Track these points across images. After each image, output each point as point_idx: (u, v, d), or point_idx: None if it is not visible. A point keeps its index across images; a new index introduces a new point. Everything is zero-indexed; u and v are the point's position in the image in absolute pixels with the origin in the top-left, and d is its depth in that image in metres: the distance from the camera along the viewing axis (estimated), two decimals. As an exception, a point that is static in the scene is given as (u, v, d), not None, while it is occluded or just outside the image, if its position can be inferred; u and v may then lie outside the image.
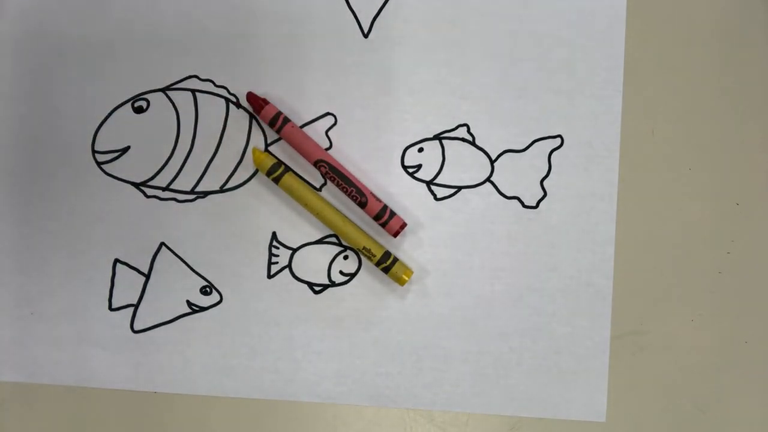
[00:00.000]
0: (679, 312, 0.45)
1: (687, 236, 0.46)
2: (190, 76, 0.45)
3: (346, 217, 0.44)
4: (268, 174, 0.44)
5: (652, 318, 0.45)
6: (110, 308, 0.45)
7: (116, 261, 0.45)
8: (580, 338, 0.45)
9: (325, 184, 0.45)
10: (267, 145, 0.45)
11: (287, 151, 0.45)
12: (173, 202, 0.45)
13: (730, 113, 0.46)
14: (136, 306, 0.45)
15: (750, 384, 0.45)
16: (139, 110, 0.45)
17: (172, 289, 0.45)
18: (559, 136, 0.45)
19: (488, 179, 0.45)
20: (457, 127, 0.45)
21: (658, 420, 0.45)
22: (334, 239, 0.45)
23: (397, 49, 0.46)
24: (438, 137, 0.45)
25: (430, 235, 0.45)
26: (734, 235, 0.46)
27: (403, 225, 0.44)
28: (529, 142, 0.45)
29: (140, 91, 0.45)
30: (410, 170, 0.45)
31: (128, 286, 0.45)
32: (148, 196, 0.45)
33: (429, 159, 0.45)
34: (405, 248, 0.45)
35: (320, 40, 0.46)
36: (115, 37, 0.45)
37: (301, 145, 0.44)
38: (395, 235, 0.44)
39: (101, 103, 0.45)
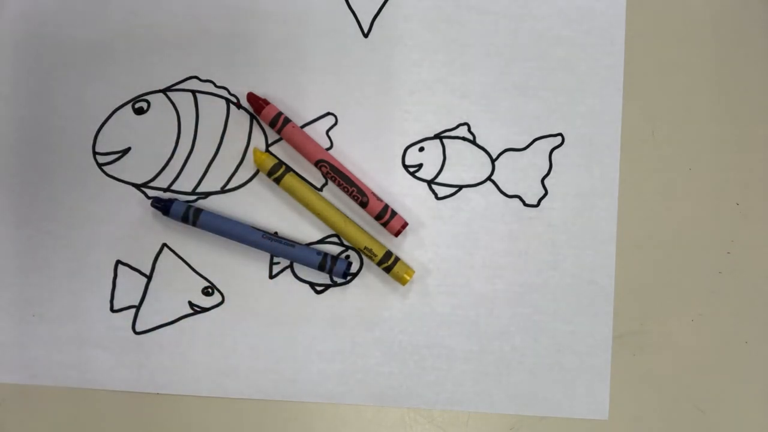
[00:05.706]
0: (679, 312, 0.46)
1: (687, 236, 0.46)
2: (191, 77, 0.45)
3: (348, 217, 0.44)
4: (269, 174, 0.44)
5: (653, 318, 0.45)
6: (112, 309, 0.45)
7: (118, 262, 0.45)
8: (582, 336, 0.45)
9: (326, 184, 0.45)
10: (268, 145, 0.45)
11: (288, 151, 0.45)
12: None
13: (730, 113, 0.46)
14: (138, 307, 0.45)
15: (750, 384, 0.45)
16: (139, 111, 0.45)
17: (174, 290, 0.45)
18: (560, 134, 0.46)
19: (489, 178, 0.45)
20: (457, 126, 0.46)
21: (659, 419, 0.45)
22: (335, 239, 0.45)
23: (397, 49, 0.46)
24: (438, 136, 0.46)
25: (431, 234, 0.45)
26: (734, 235, 0.46)
27: (405, 224, 0.44)
28: (530, 140, 0.46)
29: (141, 92, 0.45)
30: (411, 170, 0.45)
31: (130, 288, 0.45)
32: (149, 197, 0.45)
33: (430, 158, 0.45)
34: (406, 248, 0.45)
35: (320, 40, 0.46)
36: (115, 37, 0.46)
37: (302, 146, 0.44)
38: (396, 234, 0.44)
39: (102, 104, 0.45)
